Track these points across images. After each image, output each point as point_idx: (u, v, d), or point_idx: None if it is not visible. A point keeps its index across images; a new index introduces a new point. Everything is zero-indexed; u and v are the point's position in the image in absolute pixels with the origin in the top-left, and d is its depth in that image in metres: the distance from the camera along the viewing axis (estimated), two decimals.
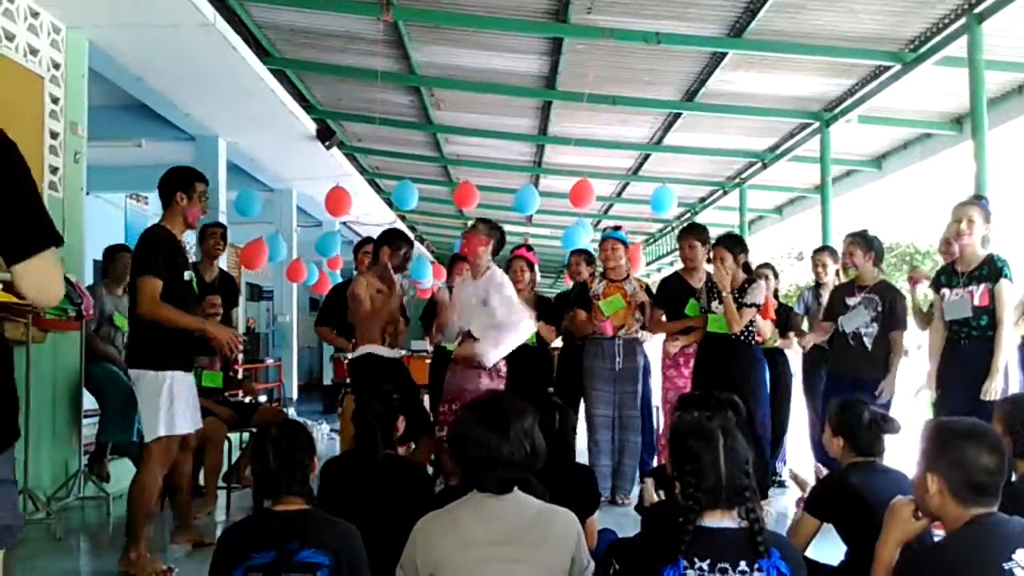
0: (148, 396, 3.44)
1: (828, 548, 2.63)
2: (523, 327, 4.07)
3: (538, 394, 4.08)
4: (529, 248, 5.35)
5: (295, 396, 10.30)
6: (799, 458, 5.28)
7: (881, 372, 4.30)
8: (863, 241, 4.44)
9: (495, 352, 3.98)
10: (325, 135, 7.81)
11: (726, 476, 1.76)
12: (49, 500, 4.49)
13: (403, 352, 4.38)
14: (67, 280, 4.37)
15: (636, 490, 4.14)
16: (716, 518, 1.77)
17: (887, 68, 5.90)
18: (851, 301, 4.43)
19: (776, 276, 5.57)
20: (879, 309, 4.34)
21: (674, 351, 4.78)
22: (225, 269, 5.11)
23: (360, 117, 8.38)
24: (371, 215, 11.14)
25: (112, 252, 5.23)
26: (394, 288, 4.14)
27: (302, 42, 6.71)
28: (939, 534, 2.00)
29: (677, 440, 1.90)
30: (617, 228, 5.20)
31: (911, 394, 4.01)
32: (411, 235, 13.51)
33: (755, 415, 4.11)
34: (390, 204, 11.53)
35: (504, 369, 4.14)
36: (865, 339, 4.34)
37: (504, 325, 3.98)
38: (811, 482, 2.88)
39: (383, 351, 4.07)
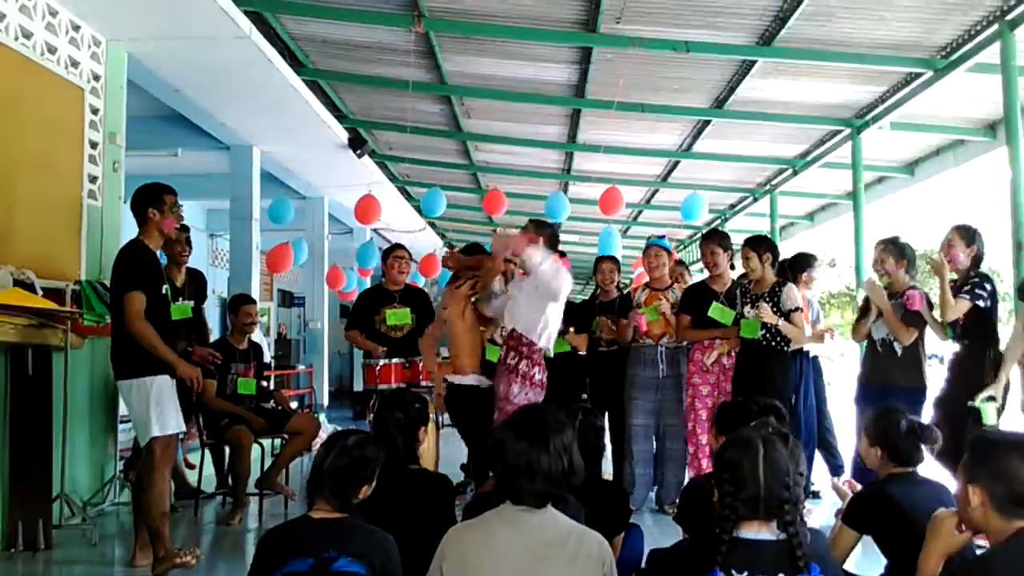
0: (137, 402, 3.52)
1: (868, 561, 2.58)
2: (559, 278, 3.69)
3: (572, 402, 4.00)
4: (562, 255, 5.28)
5: (326, 402, 10.36)
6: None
7: (912, 379, 4.20)
8: (895, 248, 4.36)
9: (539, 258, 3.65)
10: (357, 143, 7.87)
11: (764, 486, 1.74)
12: (85, 505, 4.53)
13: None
14: (104, 286, 4.46)
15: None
16: (754, 529, 1.75)
17: (919, 75, 5.80)
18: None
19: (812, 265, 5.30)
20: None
21: (710, 362, 4.67)
22: (193, 267, 5.13)
23: (391, 126, 8.45)
24: (401, 222, 11.20)
25: None
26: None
27: (335, 53, 6.78)
28: (983, 545, 1.94)
29: (719, 449, 1.89)
30: (661, 236, 5.17)
31: (977, 400, 3.84)
32: (440, 242, 13.60)
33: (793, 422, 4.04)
34: (420, 211, 11.61)
35: (541, 377, 3.81)
36: (896, 346, 4.27)
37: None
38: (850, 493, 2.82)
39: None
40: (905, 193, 8.59)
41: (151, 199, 3.63)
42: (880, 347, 4.33)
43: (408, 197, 11.40)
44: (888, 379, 4.24)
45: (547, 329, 3.78)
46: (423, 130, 8.34)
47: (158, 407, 3.49)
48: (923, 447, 2.56)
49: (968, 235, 4.14)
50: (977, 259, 4.12)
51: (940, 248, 4.24)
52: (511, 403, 3.65)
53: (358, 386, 12.77)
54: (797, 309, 4.42)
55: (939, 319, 4.19)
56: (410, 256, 5.25)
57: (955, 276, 4.13)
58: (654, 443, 4.94)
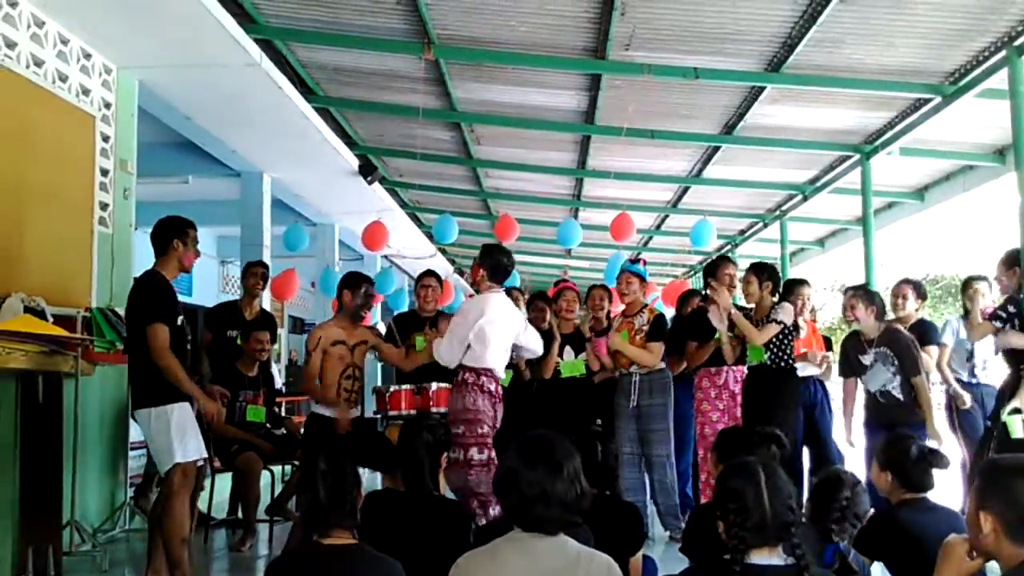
0: (158, 431, 3.56)
1: None
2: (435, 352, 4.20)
3: (583, 426, 4.00)
4: (569, 282, 5.37)
5: None
6: None
7: (919, 417, 4.21)
8: (865, 295, 4.45)
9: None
10: (367, 170, 7.90)
11: (771, 512, 1.76)
12: (95, 532, 4.52)
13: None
14: (115, 314, 4.46)
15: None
16: (763, 555, 1.76)
17: (927, 100, 5.81)
18: (866, 360, 4.40)
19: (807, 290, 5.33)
20: (895, 363, 4.30)
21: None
22: (267, 307, 5.25)
23: (401, 152, 8.50)
24: (412, 248, 11.23)
25: None
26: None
27: (345, 80, 6.84)
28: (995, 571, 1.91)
29: (719, 478, 1.90)
30: (635, 261, 5.18)
31: (1003, 414, 3.92)
32: (450, 268, 13.61)
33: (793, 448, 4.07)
34: (430, 238, 11.64)
35: (494, 388, 4.12)
36: (894, 392, 4.30)
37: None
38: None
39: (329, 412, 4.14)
40: (915, 219, 8.58)
41: (176, 231, 3.71)
42: (880, 397, 4.35)
43: (418, 223, 11.44)
44: (893, 421, 4.20)
45: (473, 351, 4.08)
46: (433, 157, 8.39)
47: (180, 434, 3.54)
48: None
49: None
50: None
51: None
52: (476, 414, 3.98)
53: (368, 412, 12.73)
54: (777, 322, 4.43)
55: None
56: (440, 282, 5.25)
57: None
58: (642, 472, 4.87)
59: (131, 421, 4.93)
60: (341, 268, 10.45)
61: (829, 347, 5.34)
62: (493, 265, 4.23)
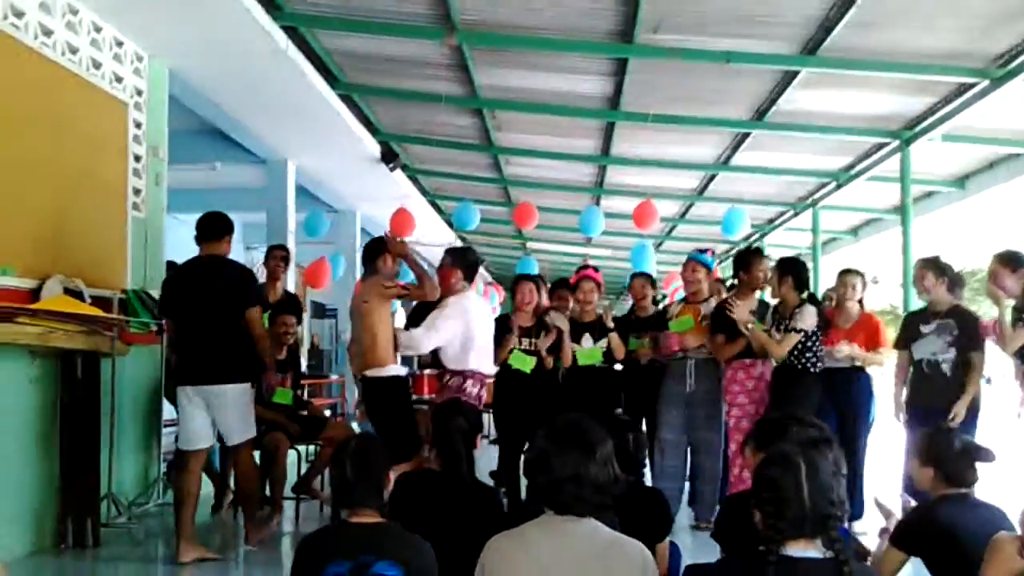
0: (238, 404, 4.05)
1: None
2: (405, 338, 4.31)
3: (607, 414, 4.10)
4: (596, 269, 5.42)
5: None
6: (884, 487, 5.14)
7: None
8: (935, 267, 4.41)
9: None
10: (389, 157, 8.02)
11: (809, 504, 1.73)
12: (130, 505, 4.73)
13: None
14: (148, 296, 4.65)
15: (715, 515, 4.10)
16: (800, 547, 1.75)
17: (971, 85, 5.73)
18: (925, 328, 4.41)
19: (864, 285, 5.25)
20: (954, 334, 4.28)
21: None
22: (291, 290, 5.41)
23: (423, 139, 8.57)
24: (431, 236, 11.34)
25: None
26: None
27: (368, 67, 6.92)
28: None
29: (758, 467, 1.89)
30: (703, 251, 5.24)
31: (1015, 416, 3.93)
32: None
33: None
34: (450, 225, 11.73)
35: (473, 391, 4.24)
36: (943, 366, 4.27)
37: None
38: (897, 513, 2.82)
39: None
40: (955, 208, 8.48)
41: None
42: (926, 368, 4.34)
43: (438, 211, 11.50)
44: (934, 401, 4.24)
45: (456, 354, 4.23)
46: (454, 144, 8.44)
47: (250, 412, 4.10)
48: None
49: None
50: None
51: (988, 279, 4.29)
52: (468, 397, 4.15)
53: None
54: (797, 331, 4.45)
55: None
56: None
57: (1010, 303, 4.13)
58: (686, 458, 4.97)
59: (165, 400, 5.15)
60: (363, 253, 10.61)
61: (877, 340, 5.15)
62: (469, 266, 4.38)
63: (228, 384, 3.97)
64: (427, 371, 5.03)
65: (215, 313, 4.00)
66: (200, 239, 4.11)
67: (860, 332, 4.89)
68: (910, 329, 4.51)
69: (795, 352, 4.48)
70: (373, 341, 4.15)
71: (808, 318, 4.47)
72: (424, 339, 4.17)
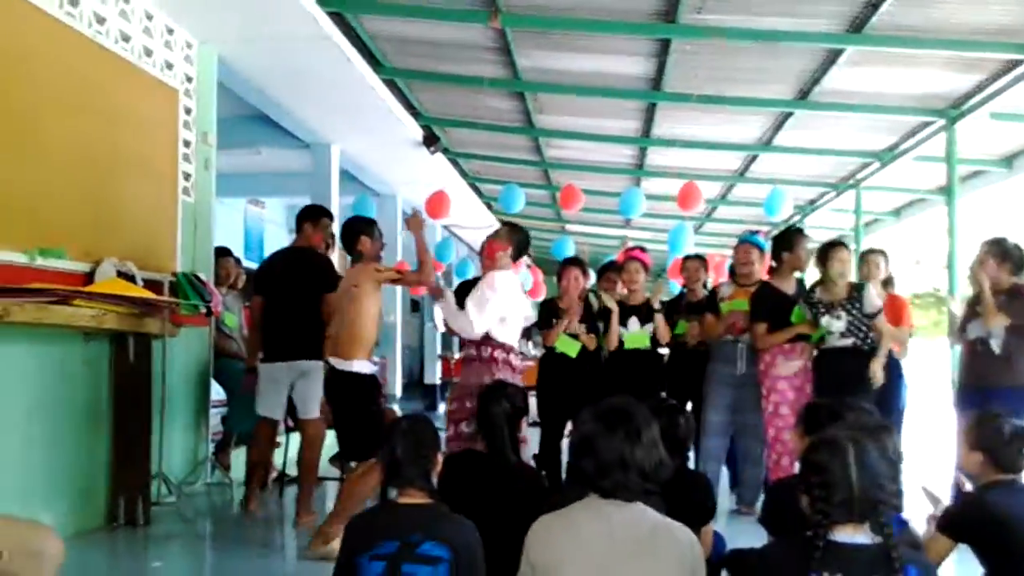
0: (315, 382, 4.23)
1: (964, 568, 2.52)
2: (460, 318, 3.99)
3: (653, 397, 4.04)
4: (643, 250, 5.33)
5: (399, 393, 10.61)
6: (932, 472, 4.98)
7: (1014, 378, 4.07)
8: (998, 249, 4.28)
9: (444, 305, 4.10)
10: (430, 141, 7.99)
11: (858, 489, 1.71)
12: (180, 485, 4.80)
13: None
14: (198, 279, 4.69)
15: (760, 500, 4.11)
16: (848, 532, 1.72)
17: (1020, 61, 5.53)
18: (980, 308, 4.27)
19: (887, 263, 5.21)
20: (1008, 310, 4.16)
21: (791, 372, 4.56)
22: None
23: (464, 123, 8.56)
24: (471, 219, 11.34)
25: (216, 255, 5.53)
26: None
27: (411, 51, 6.91)
28: None
29: (805, 452, 1.85)
30: (755, 232, 5.14)
31: None
32: None
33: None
34: (490, 208, 11.72)
35: (518, 364, 4.08)
36: (992, 343, 4.17)
37: (453, 308, 4.04)
38: (944, 499, 2.74)
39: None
40: (1000, 188, 8.23)
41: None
42: (978, 346, 4.23)
43: (479, 194, 11.49)
44: (986, 381, 4.13)
45: (505, 328, 4.00)
46: (496, 127, 8.41)
47: (321, 389, 4.11)
48: None
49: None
50: None
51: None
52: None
53: (429, 378, 13.02)
54: (880, 312, 4.38)
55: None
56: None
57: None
58: (728, 442, 4.92)
59: (213, 381, 5.21)
60: (405, 237, 10.63)
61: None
62: (520, 244, 4.16)
63: (311, 359, 4.28)
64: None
65: (297, 296, 4.50)
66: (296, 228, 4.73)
67: (886, 312, 4.75)
68: (970, 311, 4.39)
69: (861, 334, 4.38)
70: (352, 327, 3.80)
71: (877, 299, 4.43)
72: (477, 322, 3.90)
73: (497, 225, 11.96)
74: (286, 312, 4.49)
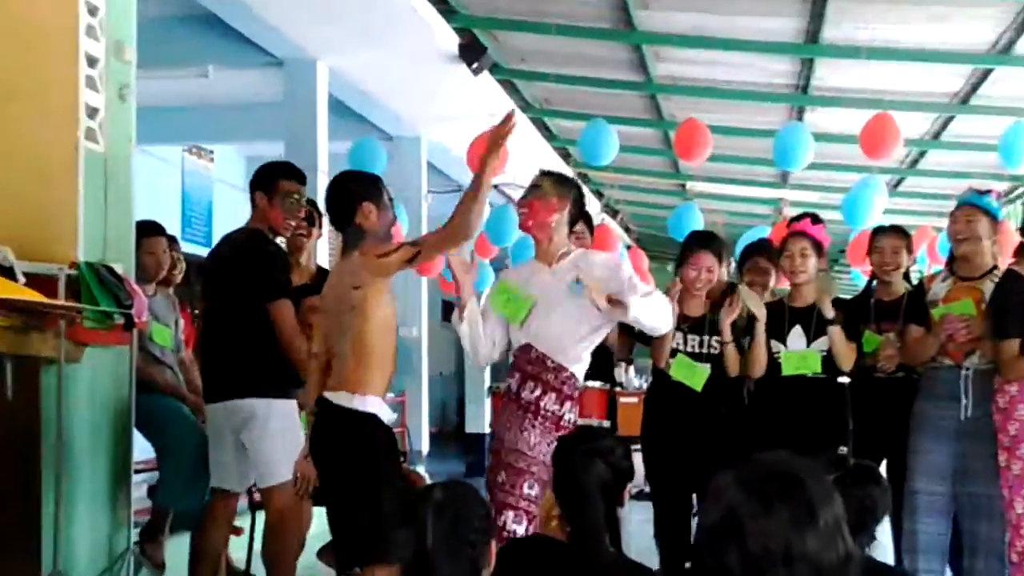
0: (280, 430, 4.37)
1: None
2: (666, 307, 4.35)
3: (829, 454, 4.13)
4: (816, 220, 5.27)
5: (426, 448, 10.58)
6: None
7: None
8: None
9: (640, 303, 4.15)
10: (473, 53, 8.09)
11: None
12: None
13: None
14: (111, 272, 4.65)
15: None
16: None
17: None
18: None
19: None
20: None
21: None
22: (325, 265, 5.46)
23: (525, 24, 8.57)
24: (535, 174, 11.25)
25: (138, 233, 5.48)
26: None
27: None
28: None
29: None
30: (985, 192, 5.01)
31: None
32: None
33: None
34: (566, 157, 11.64)
35: (572, 418, 4.28)
36: None
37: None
38: None
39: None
40: None
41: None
42: None
43: (548, 135, 11.59)
44: None
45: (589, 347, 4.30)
46: (574, 29, 8.43)
47: (295, 440, 4.25)
48: None
49: None
50: None
51: None
52: (533, 459, 4.09)
53: (473, 425, 12.99)
54: None
55: None
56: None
57: None
58: (950, 523, 4.91)
59: (134, 430, 5.19)
60: (432, 201, 10.60)
61: None
62: (578, 201, 4.44)
63: (254, 399, 4.39)
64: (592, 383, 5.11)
65: (240, 306, 4.51)
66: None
67: None
68: None
69: None
70: (359, 345, 3.85)
71: None
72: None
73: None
74: (220, 328, 4.61)
